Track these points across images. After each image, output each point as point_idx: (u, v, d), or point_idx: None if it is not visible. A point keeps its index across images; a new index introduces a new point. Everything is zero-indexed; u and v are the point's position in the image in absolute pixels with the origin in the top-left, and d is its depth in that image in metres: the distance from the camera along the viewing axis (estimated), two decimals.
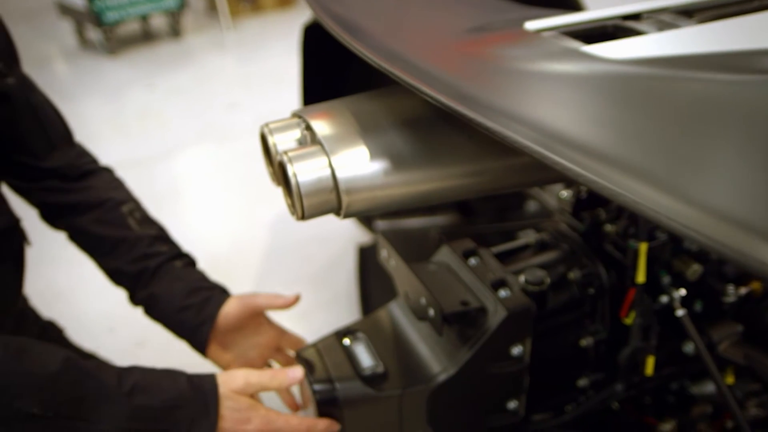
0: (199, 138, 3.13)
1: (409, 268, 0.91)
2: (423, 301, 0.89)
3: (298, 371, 0.90)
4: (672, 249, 1.01)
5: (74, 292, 2.08)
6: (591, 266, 1.03)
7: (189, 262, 1.14)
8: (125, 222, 1.11)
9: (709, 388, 1.20)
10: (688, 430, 1.13)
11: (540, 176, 0.83)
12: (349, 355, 0.95)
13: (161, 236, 1.14)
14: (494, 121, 0.56)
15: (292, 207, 0.73)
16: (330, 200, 0.70)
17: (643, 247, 0.97)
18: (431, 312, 0.87)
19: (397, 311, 1.02)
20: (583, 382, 1.07)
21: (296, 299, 1.05)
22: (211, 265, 2.20)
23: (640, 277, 0.97)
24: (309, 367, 0.94)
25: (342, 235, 2.22)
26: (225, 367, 1.12)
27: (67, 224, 1.13)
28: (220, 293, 1.10)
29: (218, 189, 2.70)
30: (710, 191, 0.44)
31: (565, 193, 1.11)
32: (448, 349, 0.93)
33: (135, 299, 1.11)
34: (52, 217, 1.14)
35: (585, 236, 1.06)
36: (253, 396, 0.92)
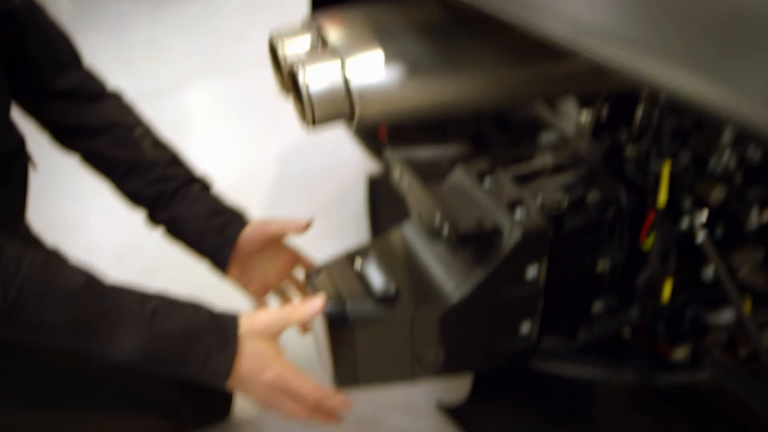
0: (206, 71, 3.07)
1: (423, 186, 0.88)
2: (437, 219, 0.86)
3: (317, 302, 0.88)
4: (695, 171, 0.98)
5: (81, 223, 2.07)
6: (610, 188, 0.99)
7: (205, 185, 1.14)
8: (138, 146, 1.11)
9: (724, 317, 1.18)
10: (701, 357, 1.12)
11: (559, 85, 0.79)
12: (360, 275, 0.93)
13: (175, 160, 1.14)
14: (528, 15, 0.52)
15: (302, 114, 0.70)
16: (342, 107, 0.67)
17: (666, 167, 0.93)
18: (445, 231, 0.85)
19: (409, 232, 0.99)
20: (597, 307, 1.05)
21: (309, 223, 1.05)
22: (221, 193, 2.19)
23: (662, 198, 0.94)
24: (318, 287, 0.93)
25: (351, 167, 2.18)
26: (243, 286, 1.14)
27: (79, 147, 1.12)
28: (240, 218, 1.11)
29: (226, 121, 2.65)
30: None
31: (585, 114, 1.07)
32: (461, 269, 0.91)
33: (154, 219, 1.12)
34: (64, 138, 1.13)
35: (604, 158, 1.02)
36: (276, 340, 0.91)
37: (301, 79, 0.64)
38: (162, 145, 1.15)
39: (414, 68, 0.68)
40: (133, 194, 1.11)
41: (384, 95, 0.66)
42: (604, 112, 1.03)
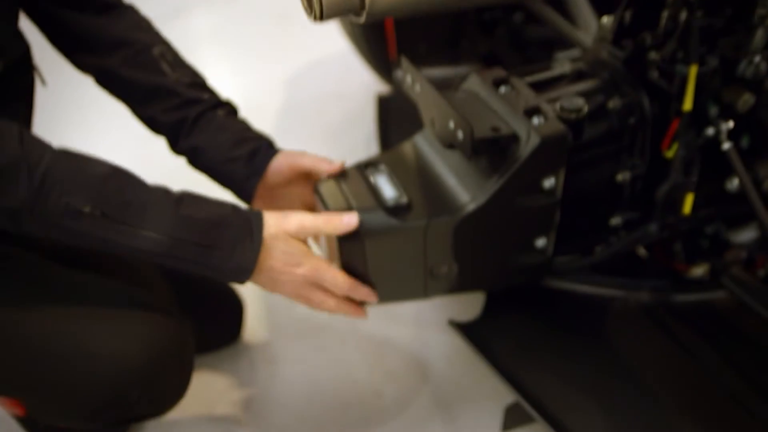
0: None
1: (436, 91, 0.84)
2: (451, 125, 0.82)
3: (354, 216, 0.85)
4: (723, 76, 0.93)
5: (89, 151, 2.04)
6: (632, 95, 0.95)
7: (231, 110, 1.07)
8: (158, 66, 1.04)
9: (744, 235, 1.15)
10: (720, 274, 1.09)
11: None
12: (371, 186, 0.89)
13: (198, 82, 1.06)
14: None
15: (309, 6, 0.65)
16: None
17: (693, 71, 0.88)
18: (460, 135, 0.81)
19: (422, 142, 0.96)
20: (615, 221, 1.02)
21: (342, 165, 0.97)
22: None
23: (687, 104, 0.89)
24: (326, 197, 0.90)
25: (360, 91, 2.13)
26: None
27: (92, 65, 1.05)
28: (268, 147, 1.04)
29: (230, 47, 2.58)
30: None
31: (606, 19, 1.01)
32: (476, 179, 0.87)
33: (176, 149, 1.06)
34: (75, 54, 1.06)
35: (627, 64, 0.97)
36: (305, 242, 0.90)
37: None
38: (183, 65, 1.07)
39: None
40: (153, 121, 1.05)
41: None
42: (627, 16, 0.97)
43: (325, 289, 0.90)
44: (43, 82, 1.06)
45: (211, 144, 1.02)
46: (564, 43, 1.80)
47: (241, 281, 0.86)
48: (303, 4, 0.67)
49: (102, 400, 0.90)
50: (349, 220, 0.85)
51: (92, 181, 0.78)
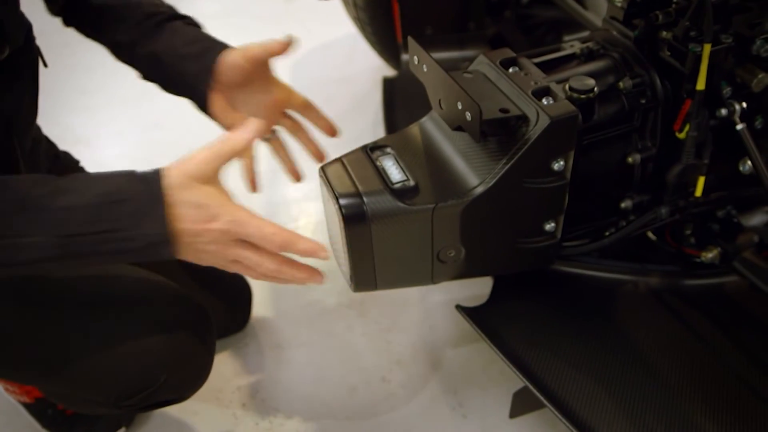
0: None
1: (444, 71, 0.82)
2: (459, 106, 0.81)
3: (251, 124, 0.76)
4: (737, 55, 0.91)
5: (93, 138, 2.03)
6: (644, 75, 0.93)
7: (192, 22, 1.05)
8: None
9: (756, 219, 1.13)
10: (731, 258, 1.08)
11: None
12: (378, 168, 0.88)
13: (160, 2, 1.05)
14: None
15: None
16: None
17: (707, 50, 0.86)
18: (468, 116, 0.79)
19: (429, 125, 0.94)
20: (626, 204, 1.00)
21: (290, 40, 0.95)
22: None
23: (701, 83, 0.87)
24: (332, 180, 0.88)
25: (366, 76, 2.11)
26: (229, 127, 1.00)
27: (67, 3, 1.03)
28: (220, 44, 0.99)
29: (236, 31, 2.56)
30: None
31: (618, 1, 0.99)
32: (484, 161, 0.86)
33: (137, 65, 1.02)
34: None
35: (638, 43, 0.95)
36: (218, 182, 0.77)
37: None
38: None
39: None
40: (119, 45, 1.01)
41: None
42: None
43: (256, 248, 0.76)
44: (44, 64, 1.05)
45: (165, 47, 0.98)
46: (572, 25, 1.78)
47: (164, 257, 0.73)
48: None
49: (128, 386, 0.90)
50: (247, 130, 0.76)
51: None
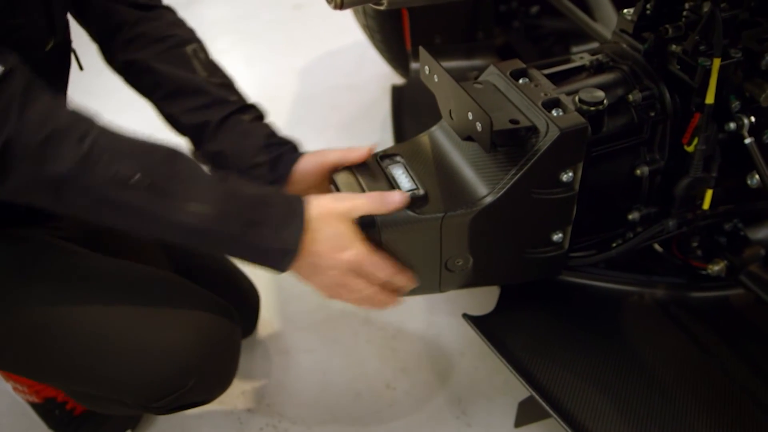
0: None
1: (456, 82, 0.83)
2: (470, 116, 0.82)
3: (404, 195, 0.84)
4: (746, 69, 0.92)
5: None
6: (653, 88, 0.94)
7: (257, 115, 1.05)
8: (190, 63, 1.03)
9: (763, 233, 1.13)
10: (738, 271, 1.08)
11: None
12: (388, 177, 0.89)
13: (227, 84, 1.05)
14: None
15: None
16: None
17: (716, 64, 0.87)
18: (479, 127, 0.80)
19: (439, 135, 0.95)
20: (633, 216, 1.01)
21: (371, 150, 0.94)
22: None
23: (710, 97, 0.88)
24: (342, 187, 0.89)
25: (374, 83, 2.12)
26: None
27: (126, 58, 1.05)
28: (292, 150, 1.01)
29: (246, 37, 2.57)
30: None
31: (628, 11, 1.00)
32: (494, 171, 0.86)
33: (200, 152, 1.04)
34: (112, 42, 1.06)
35: (647, 56, 0.96)
36: (353, 222, 0.85)
37: None
38: (214, 65, 1.06)
39: None
40: (177, 119, 1.03)
41: None
42: (649, 7, 0.95)
43: (364, 277, 0.85)
44: (80, 67, 1.07)
45: (234, 150, 0.99)
46: (580, 36, 1.79)
47: (283, 266, 0.82)
48: None
49: (160, 388, 0.91)
50: (401, 198, 0.83)
51: (140, 150, 0.77)
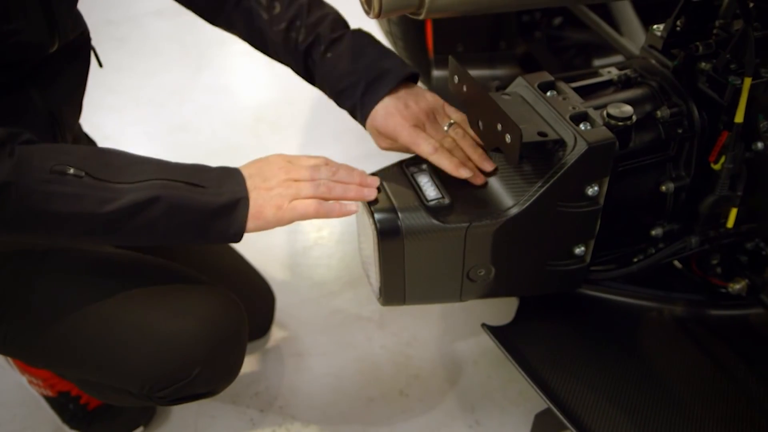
0: None
1: (486, 93, 0.83)
2: (498, 127, 0.82)
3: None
4: None
5: (120, 137, 2.06)
6: (681, 105, 0.93)
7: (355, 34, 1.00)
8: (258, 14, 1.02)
9: None
10: (759, 290, 1.07)
11: None
12: (413, 185, 0.89)
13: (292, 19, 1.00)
14: None
15: (367, 3, 0.65)
16: None
17: (747, 83, 0.87)
18: (508, 138, 0.80)
19: None
20: (656, 232, 1.00)
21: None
22: (258, 113, 2.16)
23: (739, 116, 0.88)
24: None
25: None
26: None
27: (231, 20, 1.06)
28: (385, 80, 0.96)
29: None
30: None
31: (657, 27, 1.00)
32: (519, 183, 0.87)
33: (309, 80, 1.05)
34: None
35: (677, 73, 0.96)
36: None
37: None
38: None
39: None
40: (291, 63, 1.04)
41: None
42: (680, 23, 0.95)
43: (305, 170, 0.87)
44: (99, 64, 1.08)
45: (325, 78, 0.99)
46: (602, 49, 1.78)
47: (238, 220, 0.82)
48: (361, 0, 0.66)
49: (164, 376, 0.91)
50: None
51: (68, 149, 0.80)
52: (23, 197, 0.74)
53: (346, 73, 0.97)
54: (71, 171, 0.76)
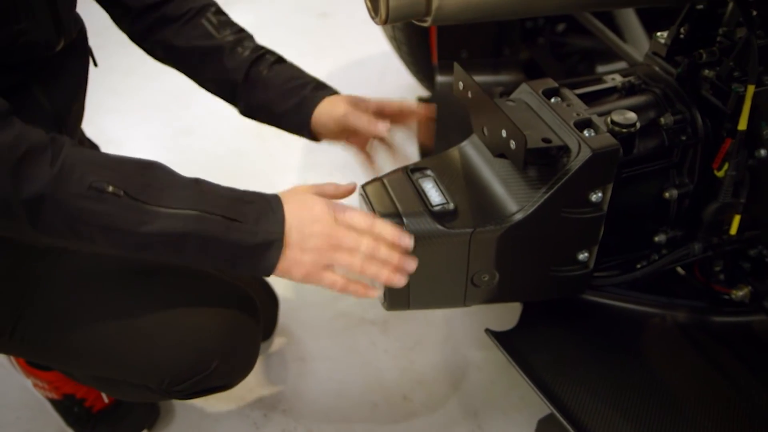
0: None
1: (491, 99, 0.84)
2: (503, 134, 0.82)
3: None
4: None
5: (125, 140, 2.06)
6: (685, 112, 0.94)
7: (273, 61, 1.11)
8: (204, 29, 1.09)
9: None
10: (762, 297, 1.08)
11: None
12: (418, 190, 0.90)
13: (240, 38, 1.11)
14: None
15: (374, 9, 0.65)
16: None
17: (750, 91, 0.87)
18: (512, 144, 0.81)
19: (469, 150, 0.95)
20: (659, 238, 1.01)
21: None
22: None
23: (743, 123, 0.88)
24: (372, 199, 0.90)
25: (397, 94, 2.12)
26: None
27: (152, 42, 1.10)
28: (313, 92, 1.08)
29: (271, 45, 2.60)
30: None
31: (661, 34, 1.01)
32: (524, 189, 0.87)
33: (242, 112, 1.13)
34: (139, 32, 1.11)
35: (680, 80, 0.96)
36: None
37: None
38: (225, 22, 1.12)
39: None
40: (209, 87, 1.12)
41: None
42: (684, 31, 0.96)
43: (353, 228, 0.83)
44: (95, 63, 1.09)
45: (265, 102, 1.08)
46: (605, 55, 1.79)
47: (269, 261, 0.80)
48: (367, 6, 0.67)
49: (182, 370, 0.92)
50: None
51: (111, 164, 0.77)
52: (57, 209, 0.74)
53: (294, 78, 1.08)
54: (110, 189, 0.74)
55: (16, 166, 0.71)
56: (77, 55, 1.03)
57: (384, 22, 0.64)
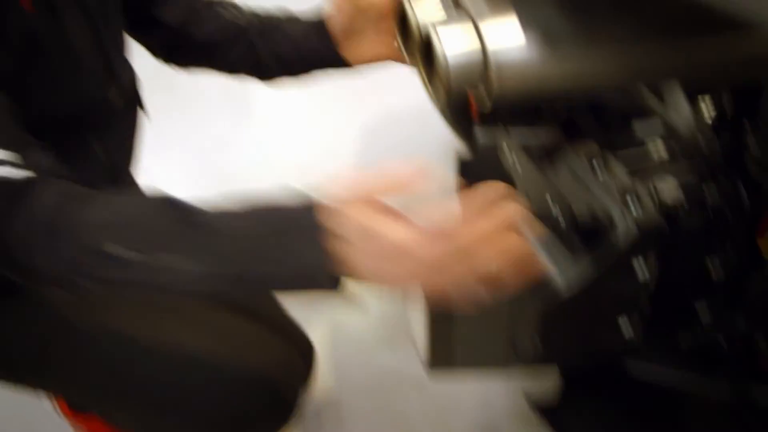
0: None
1: (535, 166, 0.85)
2: (548, 201, 0.83)
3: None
4: None
5: (166, 184, 2.10)
6: (729, 186, 0.94)
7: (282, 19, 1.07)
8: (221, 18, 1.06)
9: None
10: None
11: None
12: None
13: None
14: None
15: (434, 91, 0.67)
16: (479, 79, 0.63)
17: None
18: (556, 215, 0.81)
19: None
20: (702, 312, 1.00)
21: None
22: (304, 165, 2.14)
23: None
24: None
25: (436, 147, 2.15)
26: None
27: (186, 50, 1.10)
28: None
29: (307, 93, 2.64)
30: None
31: (704, 102, 1.01)
32: (568, 260, 0.87)
33: (267, 81, 1.10)
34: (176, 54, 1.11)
35: (724, 152, 0.96)
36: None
37: (439, 51, 0.61)
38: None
39: (554, 37, 0.64)
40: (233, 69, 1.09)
41: (523, 67, 0.62)
42: (730, 103, 0.96)
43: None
44: (148, 117, 1.11)
45: (286, 49, 1.04)
46: (641, 112, 1.78)
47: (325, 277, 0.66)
48: (426, 89, 0.68)
49: (228, 421, 0.91)
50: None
51: (122, 220, 0.68)
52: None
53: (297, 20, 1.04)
54: (122, 253, 0.66)
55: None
56: (130, 103, 1.05)
57: (444, 106, 0.66)
